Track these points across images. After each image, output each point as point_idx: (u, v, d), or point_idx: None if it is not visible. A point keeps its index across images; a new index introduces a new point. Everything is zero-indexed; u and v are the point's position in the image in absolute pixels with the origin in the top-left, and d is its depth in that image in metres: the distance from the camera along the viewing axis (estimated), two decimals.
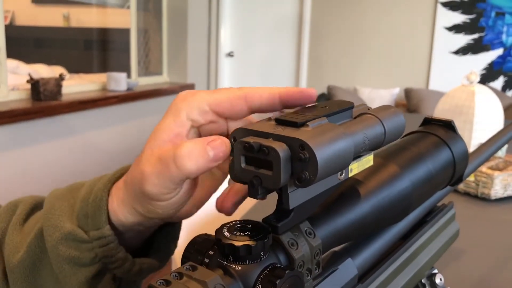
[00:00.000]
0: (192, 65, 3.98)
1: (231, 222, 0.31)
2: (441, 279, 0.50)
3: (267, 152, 0.28)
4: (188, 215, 0.41)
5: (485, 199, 1.21)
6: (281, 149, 0.28)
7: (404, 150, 0.44)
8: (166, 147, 0.35)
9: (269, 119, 0.32)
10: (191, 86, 3.86)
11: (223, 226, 0.30)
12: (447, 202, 0.52)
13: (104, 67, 3.77)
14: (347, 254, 0.39)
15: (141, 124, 3.30)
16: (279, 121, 0.31)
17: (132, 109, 3.21)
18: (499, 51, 3.71)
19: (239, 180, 0.31)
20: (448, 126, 0.49)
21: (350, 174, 0.35)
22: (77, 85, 3.04)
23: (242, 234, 0.29)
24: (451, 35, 3.91)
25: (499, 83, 3.80)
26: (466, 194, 1.25)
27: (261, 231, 0.30)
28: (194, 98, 0.35)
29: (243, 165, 0.30)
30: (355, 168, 0.35)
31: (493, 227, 1.06)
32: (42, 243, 0.41)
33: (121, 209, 0.39)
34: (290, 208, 0.31)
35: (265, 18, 4.42)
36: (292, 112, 0.33)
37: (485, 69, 3.82)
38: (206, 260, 0.30)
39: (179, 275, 0.27)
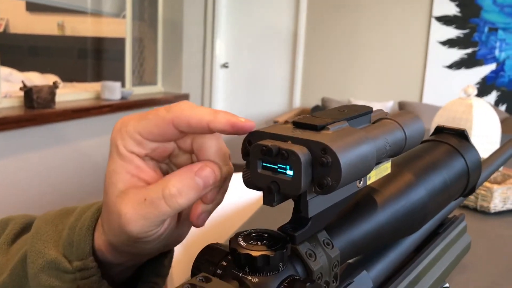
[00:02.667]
0: (187, 76, 3.97)
1: (246, 231, 0.29)
2: None
3: (286, 156, 0.27)
4: (182, 237, 0.39)
5: (484, 212, 1.20)
6: (302, 152, 0.27)
7: (418, 158, 0.42)
8: (147, 189, 0.33)
9: (286, 122, 0.31)
10: (185, 97, 3.84)
11: (237, 235, 0.29)
12: (459, 214, 0.50)
13: (98, 76, 3.75)
14: (361, 266, 0.37)
15: None
16: (297, 124, 0.30)
17: None
18: (492, 66, 3.73)
19: (254, 186, 0.30)
20: (461, 135, 0.47)
21: (368, 182, 0.33)
22: (70, 94, 3.01)
23: (259, 243, 0.27)
24: (445, 49, 3.94)
25: (492, 97, 3.82)
26: (465, 207, 1.24)
27: (278, 241, 0.28)
28: (126, 130, 0.33)
29: (259, 170, 0.28)
30: (373, 175, 0.34)
31: (493, 241, 1.05)
32: (25, 269, 0.39)
33: (107, 249, 0.37)
34: (309, 216, 0.29)
35: (260, 30, 4.43)
36: (310, 116, 0.31)
37: (478, 83, 3.84)
38: (219, 271, 0.29)
39: (192, 286, 0.25)
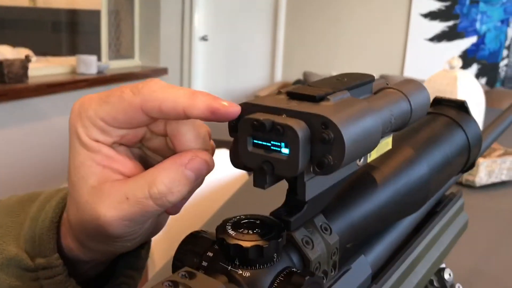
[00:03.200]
0: (165, 49, 3.88)
1: (234, 217, 0.26)
2: (450, 274, 0.46)
3: (281, 131, 0.23)
4: (161, 227, 0.35)
5: (469, 186, 1.19)
6: (300, 127, 0.23)
7: (417, 132, 0.39)
8: (128, 184, 0.28)
9: (279, 92, 0.27)
10: (163, 71, 3.75)
11: (225, 222, 0.25)
12: (456, 191, 0.48)
13: (73, 50, 3.63)
14: (359, 251, 0.34)
15: None
16: (293, 95, 0.26)
17: None
18: (473, 39, 3.73)
19: (243, 167, 0.26)
20: (461, 107, 0.44)
21: (369, 160, 0.30)
22: (44, 68, 2.91)
23: (250, 232, 0.24)
24: (426, 22, 3.91)
25: (472, 70, 3.83)
26: None
27: (272, 228, 0.24)
28: (87, 115, 0.28)
29: (250, 148, 0.24)
30: (374, 152, 0.30)
31: (481, 215, 1.04)
32: None
33: (76, 246, 0.33)
34: (306, 200, 0.26)
35: (240, 1, 4.33)
36: (306, 85, 0.27)
37: (459, 56, 3.84)
38: (205, 263, 0.25)
39: (174, 284, 0.21)
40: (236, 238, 0.23)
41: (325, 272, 0.27)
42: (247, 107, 0.26)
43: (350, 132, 0.23)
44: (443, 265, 0.47)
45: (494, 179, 1.18)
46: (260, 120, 0.23)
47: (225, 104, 0.26)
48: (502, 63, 3.63)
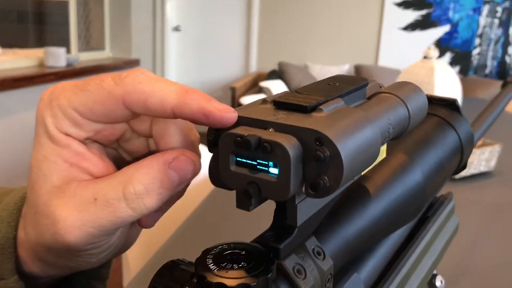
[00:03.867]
0: (137, 40, 3.79)
1: (216, 247, 0.22)
2: (441, 282, 0.43)
3: (269, 149, 0.20)
4: (132, 243, 0.31)
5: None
6: (290, 144, 0.20)
7: (408, 135, 0.36)
8: (97, 184, 0.24)
9: (264, 100, 0.24)
10: (135, 62, 3.67)
11: (205, 253, 0.22)
12: (446, 193, 0.45)
13: (41, 42, 3.51)
14: (351, 268, 0.31)
15: None
16: (280, 104, 0.23)
17: None
18: (446, 28, 3.75)
19: (226, 186, 0.23)
20: (452, 106, 0.42)
21: (363, 172, 0.27)
22: (10, 61, 2.80)
23: (235, 266, 0.21)
24: (400, 10, 3.92)
25: (446, 59, 3.85)
26: None
27: (260, 260, 0.21)
28: (58, 104, 0.24)
29: (232, 167, 0.21)
30: None
31: (460, 207, 1.03)
32: None
33: (32, 260, 0.28)
34: (298, 224, 0.22)
35: None
36: (295, 93, 0.24)
37: (433, 45, 3.86)
38: None
39: None
40: (218, 276, 0.20)
41: None
42: None
43: (348, 148, 0.20)
44: (434, 272, 0.44)
45: (473, 170, 1.17)
46: (244, 136, 0.20)
47: (220, 108, 0.22)
48: (475, 52, 3.67)
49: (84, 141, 0.25)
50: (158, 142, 0.26)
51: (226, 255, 0.21)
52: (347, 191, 0.30)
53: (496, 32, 3.57)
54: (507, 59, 3.54)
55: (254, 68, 4.34)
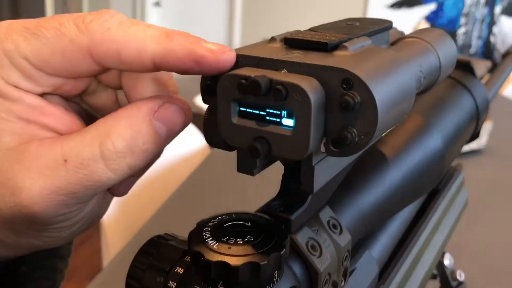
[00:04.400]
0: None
1: (214, 218, 0.18)
2: (450, 260, 0.40)
3: (284, 94, 0.16)
4: (103, 213, 0.25)
5: None
6: (311, 87, 0.16)
7: (420, 95, 0.32)
8: (65, 142, 0.19)
9: (272, 38, 0.19)
10: None
11: (201, 226, 0.17)
12: (455, 165, 0.42)
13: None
14: (363, 245, 0.27)
15: None
16: (292, 42, 0.18)
17: None
18: (431, 6, 3.73)
19: (225, 145, 0.18)
20: (466, 67, 0.38)
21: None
22: None
23: (239, 241, 0.16)
24: None
25: None
26: None
27: (270, 234, 0.17)
28: (3, 49, 0.19)
29: (235, 118, 0.17)
30: None
31: None
32: None
33: None
34: (315, 190, 0.18)
35: None
36: (308, 31, 0.20)
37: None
38: (172, 285, 0.17)
39: None
40: (219, 252, 0.16)
41: (334, 285, 0.20)
42: None
43: (383, 92, 0.16)
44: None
45: (464, 147, 1.15)
46: (251, 78, 0.16)
47: (213, 49, 0.18)
48: (460, 31, 3.65)
49: (41, 95, 0.20)
50: (129, 94, 0.21)
51: (227, 228, 0.17)
52: (361, 156, 0.26)
53: (481, 11, 3.56)
54: (492, 38, 3.54)
55: (237, 44, 4.26)
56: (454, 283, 0.39)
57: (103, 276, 0.64)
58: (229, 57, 0.18)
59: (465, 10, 3.62)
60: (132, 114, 0.19)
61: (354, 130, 0.16)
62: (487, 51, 3.58)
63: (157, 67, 0.18)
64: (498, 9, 3.49)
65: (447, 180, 0.39)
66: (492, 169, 1.06)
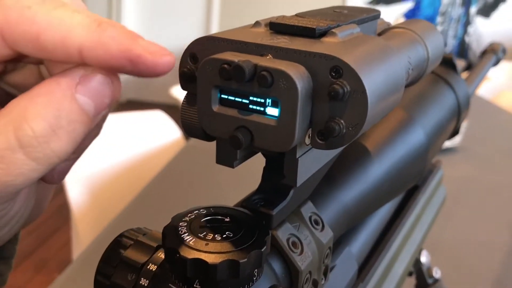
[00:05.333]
0: (90, 4, 3.60)
1: (190, 212, 0.17)
2: (426, 257, 0.40)
3: (269, 80, 0.14)
4: (44, 207, 0.23)
5: None
6: (298, 74, 0.15)
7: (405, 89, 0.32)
8: None
9: (257, 23, 0.18)
10: None
11: (177, 220, 0.16)
12: (435, 162, 0.42)
13: None
14: (343, 241, 0.26)
15: None
16: (278, 27, 0.17)
17: None
18: (409, 4, 3.76)
19: (204, 135, 0.17)
20: (448, 63, 0.37)
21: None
22: None
23: (218, 237, 0.15)
24: None
25: None
26: None
27: (250, 229, 0.16)
28: None
29: (215, 106, 0.16)
30: None
31: None
32: None
33: None
34: (298, 184, 0.17)
35: None
36: (294, 16, 0.19)
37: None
38: (144, 283, 0.16)
39: None
40: (196, 249, 0.15)
41: (315, 283, 0.20)
42: (210, 42, 0.17)
43: (374, 82, 0.15)
44: None
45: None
46: (235, 63, 0.15)
47: (152, 50, 0.16)
48: None
49: None
50: (50, 68, 0.19)
51: (204, 223, 0.16)
52: (344, 150, 0.25)
53: (457, 11, 3.61)
54: (467, 38, 3.60)
55: (215, 31, 4.21)
56: (430, 280, 0.39)
57: (73, 269, 0.62)
58: (169, 62, 0.16)
59: (442, 8, 3.67)
60: (50, 90, 0.16)
61: (342, 121, 0.15)
62: (462, 50, 3.64)
63: (83, 59, 0.16)
64: (473, 9, 3.55)
65: (426, 176, 0.39)
66: (466, 167, 1.07)
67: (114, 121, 1.01)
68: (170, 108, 1.73)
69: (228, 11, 4.16)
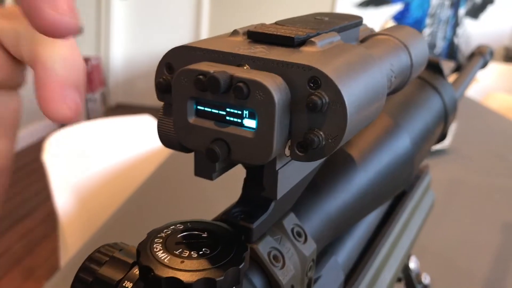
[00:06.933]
0: (80, 7, 3.58)
1: (167, 227, 0.16)
2: (415, 263, 0.40)
3: (245, 92, 0.14)
4: None
5: None
6: (275, 85, 0.14)
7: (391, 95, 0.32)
8: None
9: (235, 32, 0.18)
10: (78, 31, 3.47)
11: (152, 236, 0.16)
12: (422, 167, 0.41)
13: None
14: (329, 251, 0.26)
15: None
16: (256, 36, 0.17)
17: None
18: (398, 6, 3.78)
19: (180, 147, 0.17)
20: (435, 67, 0.37)
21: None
22: None
23: (193, 254, 0.15)
24: None
25: None
26: None
27: (228, 244, 0.16)
28: None
29: (191, 118, 0.15)
30: None
31: None
32: None
33: None
34: (279, 197, 0.17)
35: None
36: (273, 24, 0.18)
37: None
38: None
39: None
40: (171, 267, 0.14)
41: None
42: (187, 52, 0.16)
43: (353, 93, 0.15)
44: None
45: None
46: (210, 74, 0.14)
47: (54, 4, 0.14)
48: (426, 32, 3.72)
49: None
50: None
51: (181, 238, 0.16)
52: (328, 158, 0.24)
53: (446, 12, 3.64)
54: (456, 40, 3.62)
55: (205, 37, 4.20)
56: (419, 286, 0.39)
57: (61, 276, 0.61)
58: (69, 24, 0.14)
59: (431, 10, 3.69)
60: None
61: (321, 132, 0.14)
62: (451, 52, 3.66)
63: None
64: (462, 11, 3.57)
65: (414, 181, 0.39)
66: (455, 170, 1.07)
67: (102, 127, 1.00)
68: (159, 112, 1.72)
69: (218, 14, 4.16)
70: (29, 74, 0.20)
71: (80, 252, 0.65)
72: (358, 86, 0.15)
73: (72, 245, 0.78)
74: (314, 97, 0.14)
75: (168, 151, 1.04)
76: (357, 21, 0.20)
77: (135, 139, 0.97)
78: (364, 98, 0.15)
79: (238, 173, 0.20)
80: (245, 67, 0.15)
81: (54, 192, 0.80)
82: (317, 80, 0.14)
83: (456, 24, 3.61)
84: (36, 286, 1.33)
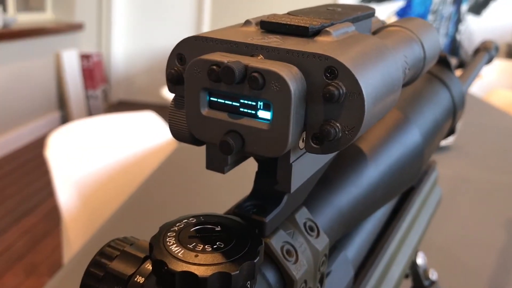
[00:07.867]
0: (81, 1, 3.57)
1: (179, 221, 0.16)
2: (422, 259, 0.39)
3: (261, 82, 0.14)
4: None
5: None
6: (291, 75, 0.14)
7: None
8: None
9: (247, 22, 0.17)
10: (79, 26, 3.46)
11: (165, 230, 0.15)
12: (430, 162, 0.41)
13: None
14: (338, 246, 0.26)
15: (20, 67, 2.89)
16: (269, 26, 0.16)
17: (8, 49, 2.79)
18: (400, 3, 3.77)
19: (192, 139, 0.17)
20: (443, 61, 0.37)
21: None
22: None
23: (207, 248, 0.15)
24: None
25: None
26: None
27: (242, 238, 0.15)
28: None
29: (204, 109, 0.15)
30: None
31: None
32: None
33: None
34: (292, 190, 0.17)
35: None
36: (286, 14, 0.18)
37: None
38: None
39: None
40: (185, 261, 0.14)
41: None
42: (196, 43, 0.16)
43: (371, 83, 0.14)
44: None
45: None
46: (224, 64, 0.14)
47: None
48: None
49: None
50: None
51: (194, 232, 0.15)
52: (338, 152, 0.24)
53: (448, 9, 3.63)
54: (458, 36, 3.61)
55: (207, 30, 4.18)
56: (426, 282, 0.39)
57: (63, 273, 0.61)
58: None
59: (433, 7, 3.68)
60: None
61: (338, 124, 0.14)
62: (454, 48, 3.65)
63: None
64: (464, 7, 3.56)
65: (421, 177, 0.39)
66: (460, 166, 1.07)
67: (105, 123, 1.00)
68: (161, 109, 1.72)
69: (219, 10, 4.15)
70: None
71: (84, 249, 0.65)
72: (375, 77, 0.15)
73: (75, 241, 0.78)
74: (331, 88, 0.14)
75: (170, 148, 1.03)
76: (370, 12, 0.20)
77: (137, 135, 0.97)
78: (381, 89, 0.15)
79: (241, 168, 0.20)
80: (259, 57, 0.15)
81: (56, 188, 0.80)
82: (334, 70, 0.14)
83: (458, 20, 3.60)
84: (39, 282, 1.33)
